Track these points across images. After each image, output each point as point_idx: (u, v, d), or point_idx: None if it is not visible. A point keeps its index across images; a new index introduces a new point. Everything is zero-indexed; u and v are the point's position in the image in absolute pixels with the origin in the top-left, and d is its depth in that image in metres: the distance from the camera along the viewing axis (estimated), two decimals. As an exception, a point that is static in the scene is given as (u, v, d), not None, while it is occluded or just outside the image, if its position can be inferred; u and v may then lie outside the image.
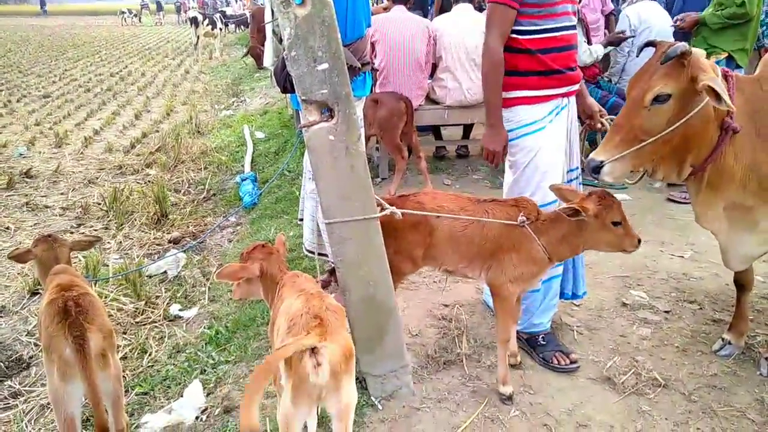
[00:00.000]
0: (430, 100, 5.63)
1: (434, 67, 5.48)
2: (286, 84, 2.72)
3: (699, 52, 2.19)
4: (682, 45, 2.13)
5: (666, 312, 3.26)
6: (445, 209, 2.49)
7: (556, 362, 2.78)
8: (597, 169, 2.29)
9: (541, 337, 2.89)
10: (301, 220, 3.65)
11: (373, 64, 5.01)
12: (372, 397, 2.55)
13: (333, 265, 3.51)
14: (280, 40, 3.18)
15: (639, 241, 2.34)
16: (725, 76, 2.26)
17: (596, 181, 5.29)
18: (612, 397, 2.58)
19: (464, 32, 5.20)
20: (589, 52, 5.07)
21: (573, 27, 2.64)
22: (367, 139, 5.14)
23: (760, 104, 2.32)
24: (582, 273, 3.07)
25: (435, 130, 6.41)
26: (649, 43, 2.34)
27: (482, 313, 3.30)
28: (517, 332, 2.90)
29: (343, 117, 2.17)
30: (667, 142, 2.25)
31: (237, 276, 2.15)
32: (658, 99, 2.19)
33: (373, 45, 5.19)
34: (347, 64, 2.22)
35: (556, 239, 2.43)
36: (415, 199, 2.54)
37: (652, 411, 2.48)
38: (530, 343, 2.91)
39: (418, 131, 5.31)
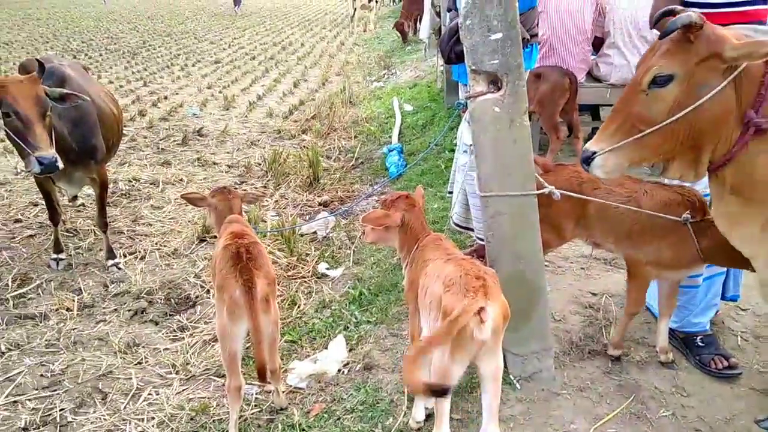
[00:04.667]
0: (592, 77, 5.31)
1: (598, 41, 5.15)
2: (451, 55, 2.71)
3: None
4: (687, 15, 1.69)
5: None
6: (603, 184, 2.39)
7: (714, 366, 2.56)
8: (588, 160, 1.92)
9: (699, 338, 2.67)
10: (450, 192, 3.65)
11: (536, 36, 4.82)
12: (511, 375, 2.52)
13: (476, 241, 3.48)
14: (438, 14, 3.17)
15: None
16: None
17: None
18: (780, 413, 2.34)
19: (638, 6, 4.82)
20: None
21: (763, 1, 2.34)
22: (521, 115, 4.99)
23: None
24: (737, 273, 2.78)
25: (593, 110, 6.07)
26: (667, 12, 1.84)
27: (633, 305, 3.11)
28: (672, 330, 2.72)
29: (512, 89, 2.12)
30: (672, 134, 1.81)
31: (380, 222, 2.16)
32: (657, 81, 1.78)
33: (536, 17, 4.99)
34: (518, 34, 2.16)
35: (720, 245, 2.13)
36: (573, 169, 2.47)
37: (828, 435, 2.22)
38: (686, 343, 2.70)
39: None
